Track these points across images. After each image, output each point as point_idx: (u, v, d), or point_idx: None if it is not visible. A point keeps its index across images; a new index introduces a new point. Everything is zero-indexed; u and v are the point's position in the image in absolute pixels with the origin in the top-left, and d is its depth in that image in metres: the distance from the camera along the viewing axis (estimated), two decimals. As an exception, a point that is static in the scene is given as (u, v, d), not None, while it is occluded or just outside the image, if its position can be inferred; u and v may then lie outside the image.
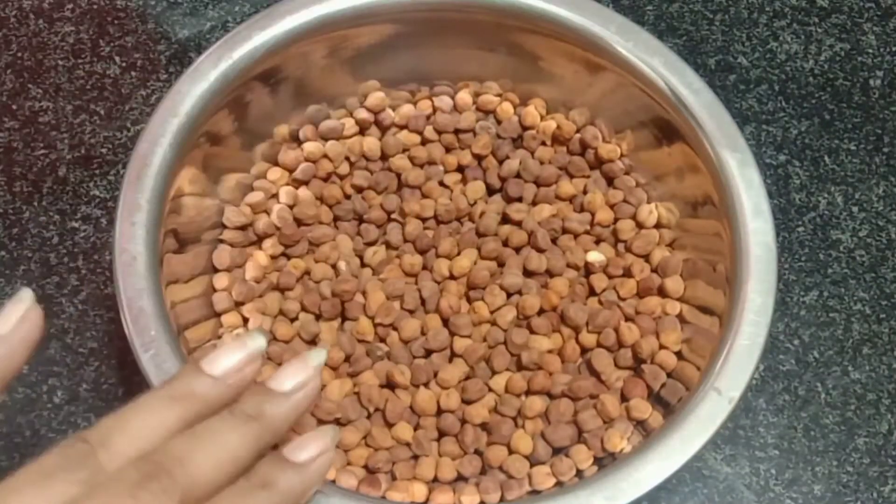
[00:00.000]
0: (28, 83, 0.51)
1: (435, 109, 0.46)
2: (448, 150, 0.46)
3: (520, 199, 0.44)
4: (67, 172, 0.49)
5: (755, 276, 0.37)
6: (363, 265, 0.43)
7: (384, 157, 0.45)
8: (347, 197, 0.45)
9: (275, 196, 0.44)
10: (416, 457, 0.39)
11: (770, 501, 0.43)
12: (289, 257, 0.43)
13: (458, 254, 0.43)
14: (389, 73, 0.46)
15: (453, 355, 0.41)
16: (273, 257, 0.43)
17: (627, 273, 0.42)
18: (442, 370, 0.39)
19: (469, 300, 0.42)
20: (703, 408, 0.34)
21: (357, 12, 0.42)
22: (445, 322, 0.41)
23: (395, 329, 0.41)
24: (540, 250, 0.42)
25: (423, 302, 0.41)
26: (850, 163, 0.51)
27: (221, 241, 0.42)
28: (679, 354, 0.40)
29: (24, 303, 0.26)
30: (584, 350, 0.41)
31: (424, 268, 0.43)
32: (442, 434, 0.39)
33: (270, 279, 0.42)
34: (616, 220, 0.44)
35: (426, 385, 0.40)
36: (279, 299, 0.42)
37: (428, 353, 0.41)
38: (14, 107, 0.51)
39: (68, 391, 0.43)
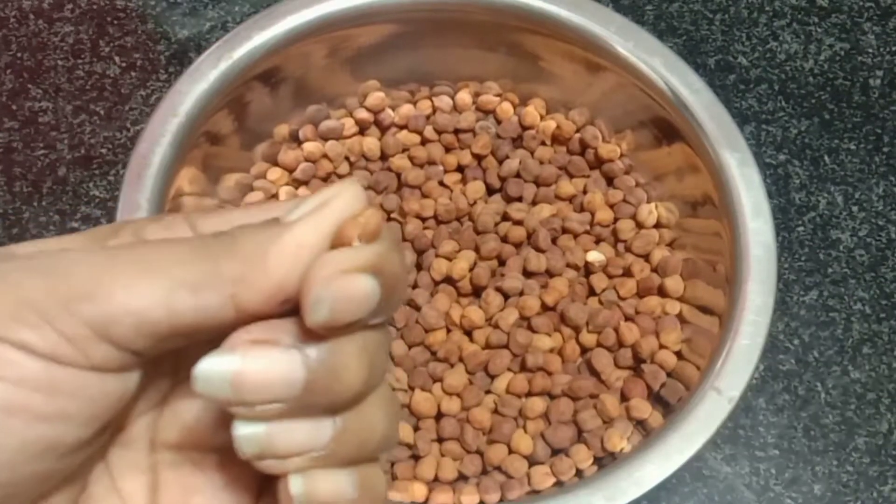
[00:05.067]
0: (28, 83, 0.51)
1: (435, 109, 0.46)
2: (448, 150, 0.46)
3: (520, 199, 0.44)
4: (67, 172, 0.49)
5: (755, 276, 0.37)
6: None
7: (384, 156, 0.45)
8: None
9: (275, 196, 0.44)
10: (416, 457, 0.39)
11: (770, 501, 0.43)
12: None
13: (458, 252, 0.42)
14: (389, 73, 0.46)
15: (457, 360, 0.41)
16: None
17: (627, 273, 0.42)
18: (448, 376, 0.39)
19: (469, 301, 0.42)
20: (702, 407, 0.34)
21: (357, 12, 0.42)
22: (447, 326, 0.41)
23: (398, 330, 0.41)
24: (540, 250, 0.42)
25: (419, 307, 0.41)
26: (850, 162, 0.51)
27: (221, 241, 0.42)
28: (679, 354, 0.40)
29: (338, 185, 0.17)
30: (584, 350, 0.41)
31: (420, 268, 0.43)
32: (443, 436, 0.39)
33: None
34: (616, 219, 0.44)
35: (423, 388, 0.40)
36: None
37: (430, 356, 0.41)
38: (14, 107, 0.51)
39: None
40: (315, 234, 0.16)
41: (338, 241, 0.17)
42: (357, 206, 0.17)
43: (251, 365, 0.16)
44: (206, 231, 0.19)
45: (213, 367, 0.16)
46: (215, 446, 0.19)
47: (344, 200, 0.17)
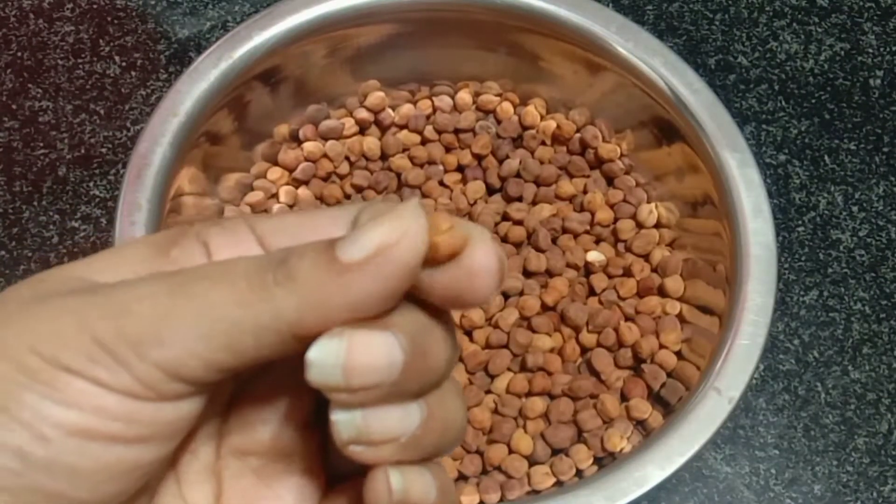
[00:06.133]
0: (28, 83, 0.51)
1: (435, 109, 0.46)
2: (448, 149, 0.46)
3: (520, 199, 0.44)
4: (67, 172, 0.49)
5: (755, 276, 0.37)
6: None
7: (384, 156, 0.45)
8: (347, 196, 0.45)
9: (275, 196, 0.44)
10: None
11: (770, 501, 0.43)
12: (289, 257, 0.43)
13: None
14: (389, 73, 0.45)
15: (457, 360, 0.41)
16: (273, 257, 0.43)
17: (627, 273, 0.42)
18: None
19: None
20: (702, 408, 0.34)
21: (357, 12, 0.42)
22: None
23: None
24: (540, 250, 0.42)
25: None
26: (850, 163, 0.51)
27: (221, 240, 0.42)
28: (679, 354, 0.40)
29: (400, 222, 0.16)
30: (584, 350, 0.41)
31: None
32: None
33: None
34: (616, 219, 0.44)
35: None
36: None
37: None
38: (14, 106, 0.51)
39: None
40: (378, 287, 0.16)
41: (432, 260, 0.16)
42: (424, 244, 0.16)
43: (357, 345, 0.16)
44: (267, 236, 0.19)
45: (325, 353, 0.16)
46: (278, 452, 0.19)
47: (409, 249, 0.16)
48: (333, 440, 0.17)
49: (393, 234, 0.16)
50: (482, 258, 0.16)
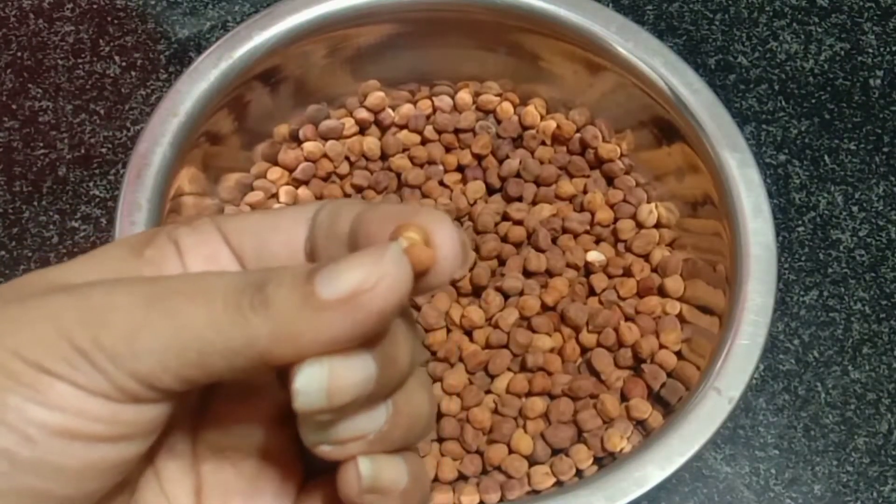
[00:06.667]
0: (28, 83, 0.51)
1: (435, 109, 0.46)
2: (448, 149, 0.46)
3: (520, 199, 0.44)
4: (67, 172, 0.49)
5: (755, 276, 0.37)
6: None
7: (384, 156, 0.45)
8: (347, 196, 0.45)
9: (275, 196, 0.44)
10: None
11: (770, 501, 0.43)
12: (289, 257, 0.43)
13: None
14: (389, 73, 0.45)
15: (457, 360, 0.41)
16: (273, 257, 0.43)
17: (627, 273, 0.42)
18: (448, 376, 0.39)
19: (470, 302, 0.42)
20: (702, 407, 0.34)
21: (357, 12, 0.42)
22: (447, 326, 0.41)
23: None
24: (540, 250, 0.42)
25: (419, 307, 0.41)
26: (850, 163, 0.51)
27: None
28: (679, 354, 0.40)
29: (378, 267, 0.16)
30: (584, 350, 0.41)
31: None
32: (443, 436, 0.39)
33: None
34: (616, 219, 0.44)
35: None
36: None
37: (430, 356, 0.41)
38: (14, 106, 0.51)
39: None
40: (349, 331, 0.16)
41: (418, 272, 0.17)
42: (403, 291, 0.16)
43: (338, 369, 0.16)
44: (232, 236, 0.19)
45: (309, 381, 0.16)
46: (253, 447, 0.20)
47: (385, 297, 0.15)
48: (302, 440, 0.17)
49: (370, 279, 0.15)
50: (444, 244, 0.17)
